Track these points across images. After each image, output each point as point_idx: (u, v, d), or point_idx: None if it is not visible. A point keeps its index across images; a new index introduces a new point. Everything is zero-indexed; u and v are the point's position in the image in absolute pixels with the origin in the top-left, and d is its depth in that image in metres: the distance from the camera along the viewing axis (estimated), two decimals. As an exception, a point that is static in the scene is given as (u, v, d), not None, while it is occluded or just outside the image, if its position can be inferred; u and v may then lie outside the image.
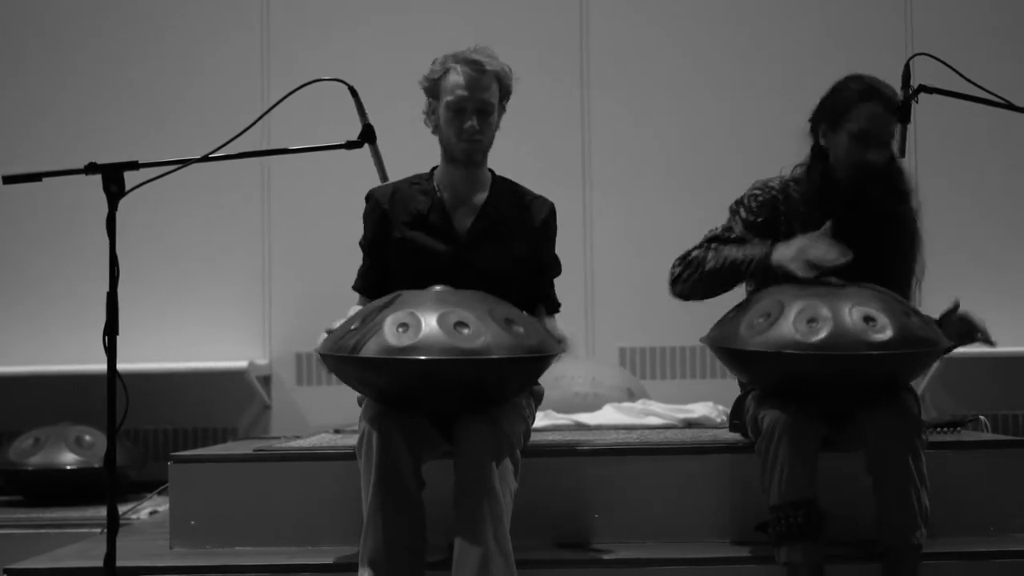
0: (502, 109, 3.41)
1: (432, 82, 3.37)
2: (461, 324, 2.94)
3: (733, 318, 3.22)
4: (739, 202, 3.43)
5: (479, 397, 3.02)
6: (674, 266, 3.39)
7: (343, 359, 2.97)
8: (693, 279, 3.35)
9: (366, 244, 3.50)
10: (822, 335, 3.01)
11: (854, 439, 3.16)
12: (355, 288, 3.51)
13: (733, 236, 3.38)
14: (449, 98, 3.33)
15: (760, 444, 3.10)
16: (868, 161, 3.30)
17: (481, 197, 3.45)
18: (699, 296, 3.38)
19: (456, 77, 3.32)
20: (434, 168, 3.49)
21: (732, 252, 3.32)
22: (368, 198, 3.50)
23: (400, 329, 2.92)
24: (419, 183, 3.48)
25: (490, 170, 3.50)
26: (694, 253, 3.38)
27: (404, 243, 3.41)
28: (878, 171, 3.31)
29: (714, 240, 3.39)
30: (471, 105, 3.33)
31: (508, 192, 3.48)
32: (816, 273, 3.18)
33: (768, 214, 3.39)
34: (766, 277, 3.30)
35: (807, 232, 3.27)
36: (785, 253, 3.23)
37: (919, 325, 3.10)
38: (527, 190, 3.53)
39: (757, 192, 3.43)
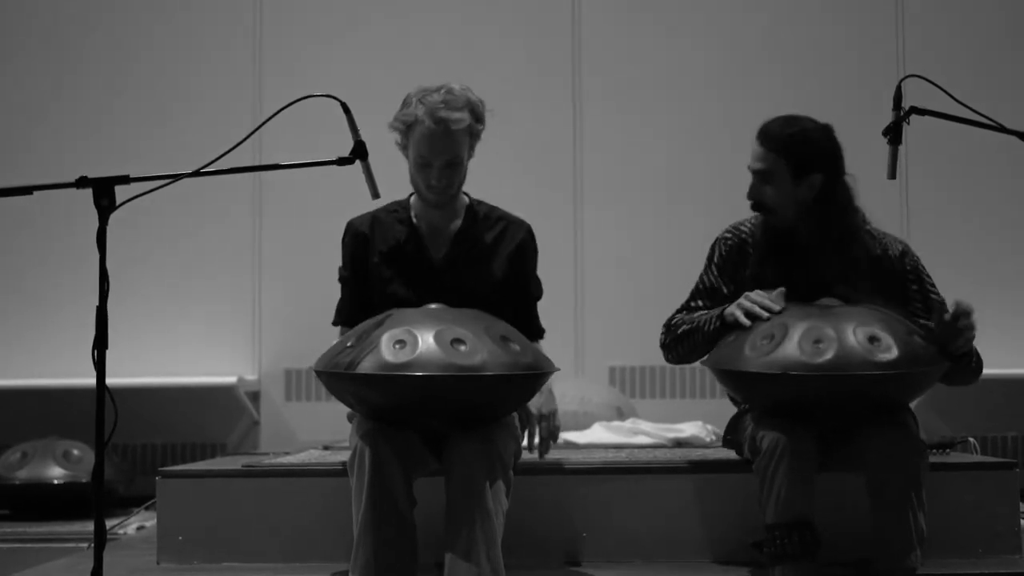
0: (473, 146, 3.35)
1: (404, 124, 3.29)
2: (458, 341, 2.94)
3: (734, 340, 3.20)
4: (713, 246, 3.48)
5: (473, 414, 3.02)
6: (661, 333, 3.45)
7: (339, 376, 2.96)
8: (673, 344, 3.41)
9: (346, 275, 3.46)
10: (828, 356, 3.00)
11: (852, 460, 3.15)
12: (335, 323, 3.48)
13: (704, 287, 3.42)
14: (415, 152, 3.29)
15: (759, 463, 3.09)
16: (756, 197, 3.34)
17: (456, 224, 3.44)
18: (687, 359, 3.42)
19: (423, 132, 3.25)
20: (411, 195, 3.47)
21: (699, 314, 3.37)
22: (347, 229, 3.47)
23: (397, 346, 2.92)
24: (396, 211, 3.46)
25: (465, 194, 3.48)
26: (674, 319, 3.43)
27: (383, 271, 3.40)
28: (772, 207, 3.33)
29: (691, 300, 3.44)
30: (438, 162, 3.29)
31: (483, 216, 3.47)
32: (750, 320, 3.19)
33: (736, 258, 3.42)
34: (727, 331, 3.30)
35: (766, 271, 3.32)
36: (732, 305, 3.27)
37: (921, 344, 3.10)
38: (503, 212, 3.50)
39: (728, 236, 3.46)
